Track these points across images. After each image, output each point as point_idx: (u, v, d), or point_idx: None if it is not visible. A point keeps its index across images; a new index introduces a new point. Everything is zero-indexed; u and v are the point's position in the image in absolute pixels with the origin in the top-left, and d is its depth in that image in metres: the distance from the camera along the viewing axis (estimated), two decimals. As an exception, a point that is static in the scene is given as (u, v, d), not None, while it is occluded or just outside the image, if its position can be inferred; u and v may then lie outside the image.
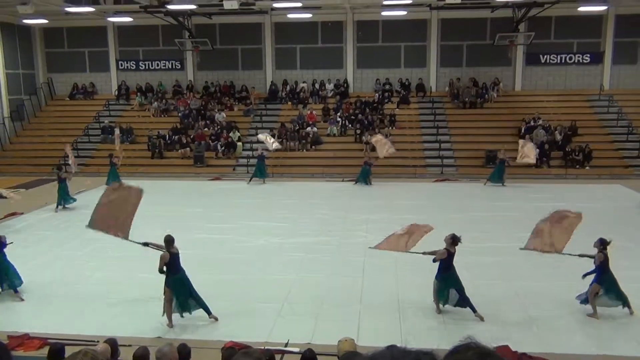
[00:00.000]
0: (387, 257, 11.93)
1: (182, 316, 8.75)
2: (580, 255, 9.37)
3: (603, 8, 25.27)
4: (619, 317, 8.95)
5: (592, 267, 9.06)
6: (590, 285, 8.98)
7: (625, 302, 9.00)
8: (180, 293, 8.62)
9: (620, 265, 11.19)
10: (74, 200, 16.95)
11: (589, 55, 26.73)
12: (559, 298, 9.54)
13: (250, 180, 20.89)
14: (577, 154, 22.51)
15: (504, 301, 9.56)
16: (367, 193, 19.16)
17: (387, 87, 27.43)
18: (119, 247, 10.59)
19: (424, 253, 9.05)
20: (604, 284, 8.92)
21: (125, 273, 10.92)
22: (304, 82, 28.12)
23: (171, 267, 8.56)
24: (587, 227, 14.05)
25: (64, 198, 16.76)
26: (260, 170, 20.87)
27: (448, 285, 8.99)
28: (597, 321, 8.81)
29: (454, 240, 8.85)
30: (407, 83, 27.37)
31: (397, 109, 26.18)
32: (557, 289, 9.91)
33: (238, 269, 11.26)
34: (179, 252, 8.76)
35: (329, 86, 27.88)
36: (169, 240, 8.62)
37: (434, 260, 8.95)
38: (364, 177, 20.60)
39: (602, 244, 8.97)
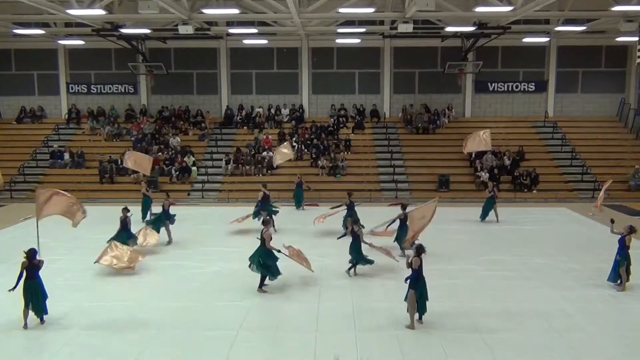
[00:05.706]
0: (343, 279, 11.99)
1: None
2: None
3: (545, 39, 26.64)
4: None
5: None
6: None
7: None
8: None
9: (566, 285, 11.65)
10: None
11: (533, 84, 28.01)
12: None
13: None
14: (524, 178, 23.34)
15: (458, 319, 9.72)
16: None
17: (342, 112, 27.83)
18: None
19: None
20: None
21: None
22: (259, 107, 28.22)
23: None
24: (536, 248, 14.65)
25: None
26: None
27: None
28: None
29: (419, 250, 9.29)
30: (361, 109, 27.87)
31: (352, 134, 26.59)
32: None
33: (192, 295, 11.04)
34: None
35: (285, 111, 28.06)
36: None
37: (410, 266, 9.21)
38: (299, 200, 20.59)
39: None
